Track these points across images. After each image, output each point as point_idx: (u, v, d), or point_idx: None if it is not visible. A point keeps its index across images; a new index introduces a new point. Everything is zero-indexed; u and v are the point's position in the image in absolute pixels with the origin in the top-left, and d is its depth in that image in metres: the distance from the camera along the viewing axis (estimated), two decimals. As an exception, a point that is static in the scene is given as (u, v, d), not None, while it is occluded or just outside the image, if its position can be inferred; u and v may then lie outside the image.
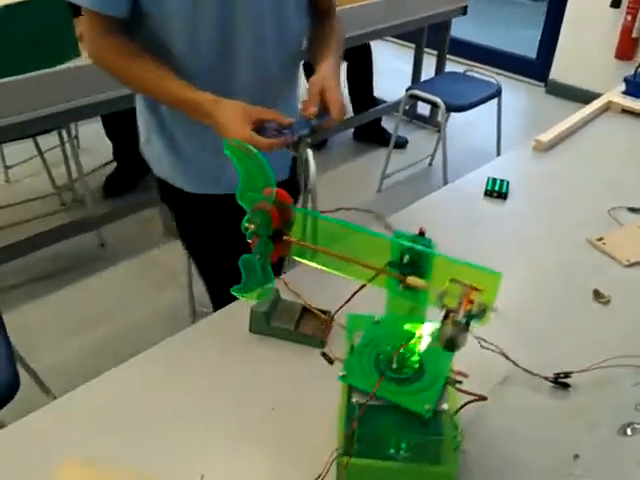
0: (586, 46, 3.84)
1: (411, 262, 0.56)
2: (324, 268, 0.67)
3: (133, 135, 2.94)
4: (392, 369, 0.64)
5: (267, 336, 0.93)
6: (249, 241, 0.69)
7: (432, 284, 0.55)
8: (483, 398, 0.77)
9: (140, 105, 1.18)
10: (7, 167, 2.93)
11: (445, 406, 0.62)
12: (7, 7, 1.71)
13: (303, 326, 0.94)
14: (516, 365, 0.85)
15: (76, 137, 2.88)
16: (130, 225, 2.64)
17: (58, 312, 2.22)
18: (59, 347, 2.05)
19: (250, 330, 0.93)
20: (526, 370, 0.85)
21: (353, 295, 0.70)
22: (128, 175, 2.87)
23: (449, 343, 0.56)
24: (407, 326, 0.65)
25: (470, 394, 0.69)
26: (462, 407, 0.65)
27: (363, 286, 0.65)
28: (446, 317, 0.56)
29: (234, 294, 0.72)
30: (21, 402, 1.16)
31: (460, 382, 0.69)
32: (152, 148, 1.21)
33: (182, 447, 0.76)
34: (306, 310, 0.95)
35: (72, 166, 2.62)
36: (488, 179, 1.34)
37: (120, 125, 2.73)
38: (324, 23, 1.18)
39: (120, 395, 0.83)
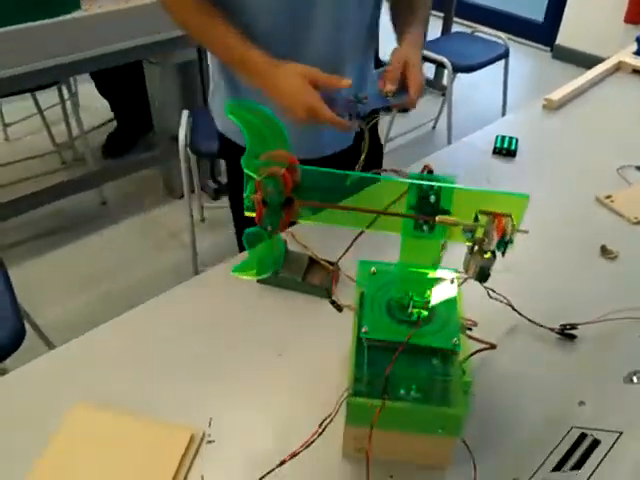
0: (594, 9, 3.76)
1: (430, 202, 0.56)
2: (337, 225, 0.64)
3: (128, 92, 2.88)
4: (406, 313, 0.64)
5: (275, 287, 0.93)
6: (249, 214, 0.62)
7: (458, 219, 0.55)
8: (493, 346, 0.77)
9: (212, 57, 1.12)
10: (6, 125, 2.89)
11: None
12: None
13: (310, 277, 0.94)
14: (522, 316, 0.86)
15: (75, 94, 2.83)
16: (131, 184, 2.62)
17: (60, 269, 2.22)
18: (62, 304, 2.06)
19: (258, 281, 0.93)
20: (532, 321, 0.86)
21: (355, 239, 0.69)
22: (129, 134, 2.84)
23: (482, 272, 0.56)
24: (419, 270, 0.65)
25: (480, 341, 0.70)
26: (474, 354, 0.65)
27: (362, 232, 0.64)
28: (473, 248, 0.56)
29: (235, 275, 0.67)
30: (25, 356, 1.16)
31: (470, 329, 0.70)
32: (219, 103, 1.16)
33: (189, 392, 0.77)
34: (313, 261, 0.95)
35: (72, 124, 2.59)
36: (497, 137, 1.32)
37: (113, 82, 2.68)
38: None
39: (125, 342, 0.84)
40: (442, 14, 3.36)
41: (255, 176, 0.59)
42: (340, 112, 0.89)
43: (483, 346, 0.68)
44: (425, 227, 0.57)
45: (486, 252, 0.57)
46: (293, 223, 0.79)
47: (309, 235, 0.97)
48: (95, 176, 2.41)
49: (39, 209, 2.27)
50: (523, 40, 4.29)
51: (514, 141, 1.31)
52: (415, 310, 0.66)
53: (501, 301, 0.83)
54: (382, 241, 0.62)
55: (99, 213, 2.51)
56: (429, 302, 0.66)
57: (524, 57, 4.14)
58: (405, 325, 0.64)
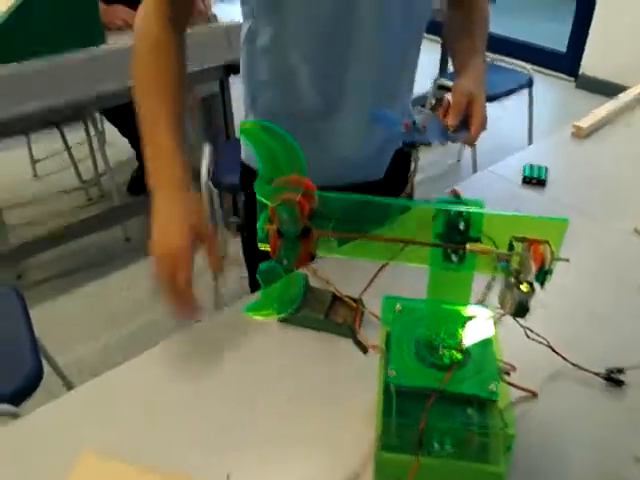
0: (618, 39, 3.72)
1: (459, 229, 0.51)
2: (359, 258, 0.60)
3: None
4: (437, 356, 0.59)
5: (296, 325, 0.88)
6: (262, 247, 0.58)
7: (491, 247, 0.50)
8: (534, 394, 0.71)
9: (244, 82, 1.08)
10: (35, 161, 2.94)
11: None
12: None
13: (333, 315, 0.89)
14: (564, 359, 0.79)
15: (102, 131, 2.88)
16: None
17: (84, 307, 2.21)
18: (84, 342, 2.03)
19: (278, 319, 0.89)
20: (575, 365, 0.79)
21: (378, 272, 0.64)
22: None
23: (520, 307, 0.50)
24: (449, 308, 0.60)
25: (520, 388, 0.64)
26: (513, 403, 0.59)
27: (384, 265, 0.59)
28: (508, 281, 0.50)
29: (249, 314, 0.63)
30: (45, 397, 1.13)
31: (508, 374, 0.64)
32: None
33: (206, 442, 0.71)
34: (336, 298, 0.90)
35: (98, 159, 2.61)
36: (525, 166, 1.28)
37: (131, 121, 2.70)
38: (466, 2, 1.02)
39: (140, 386, 0.79)
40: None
41: (268, 202, 0.54)
42: (394, 133, 0.87)
43: (523, 394, 0.62)
44: (454, 257, 0.53)
45: (523, 284, 0.52)
46: (313, 258, 0.75)
47: (331, 269, 0.93)
48: (119, 212, 2.42)
49: (63, 246, 2.27)
50: (546, 70, 4.26)
51: (543, 170, 1.26)
52: (447, 352, 0.60)
53: (540, 342, 0.77)
54: (409, 274, 0.57)
55: (123, 250, 2.51)
56: (462, 343, 0.61)
57: (548, 87, 4.11)
58: (436, 369, 0.59)
